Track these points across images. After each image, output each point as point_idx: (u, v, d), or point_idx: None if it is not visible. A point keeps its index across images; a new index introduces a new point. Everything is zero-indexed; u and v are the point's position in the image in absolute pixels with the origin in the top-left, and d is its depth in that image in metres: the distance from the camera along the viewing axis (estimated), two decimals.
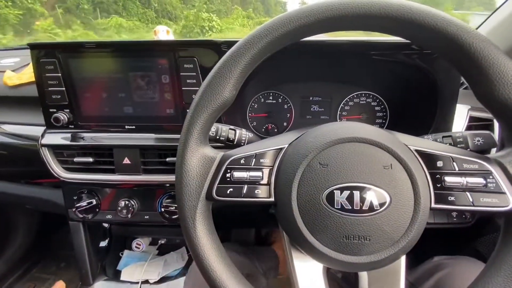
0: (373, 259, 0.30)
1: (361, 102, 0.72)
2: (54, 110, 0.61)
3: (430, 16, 0.28)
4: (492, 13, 0.58)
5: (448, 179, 0.31)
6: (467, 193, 0.30)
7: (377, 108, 0.72)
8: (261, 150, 0.35)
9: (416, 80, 0.61)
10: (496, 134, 0.57)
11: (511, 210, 0.29)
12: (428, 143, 0.34)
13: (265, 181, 0.34)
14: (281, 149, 0.35)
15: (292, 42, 0.33)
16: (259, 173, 0.34)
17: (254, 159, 0.34)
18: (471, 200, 0.30)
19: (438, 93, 0.56)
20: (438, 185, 0.31)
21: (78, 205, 0.65)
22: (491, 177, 0.30)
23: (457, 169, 0.31)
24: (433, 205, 0.31)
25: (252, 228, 1.23)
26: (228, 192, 0.33)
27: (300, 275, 0.36)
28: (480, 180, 0.30)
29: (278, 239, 1.17)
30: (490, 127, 0.60)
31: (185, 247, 0.79)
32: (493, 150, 0.51)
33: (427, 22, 0.28)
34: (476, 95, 0.30)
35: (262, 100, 0.75)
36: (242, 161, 0.34)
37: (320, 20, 0.30)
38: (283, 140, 0.36)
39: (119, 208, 0.64)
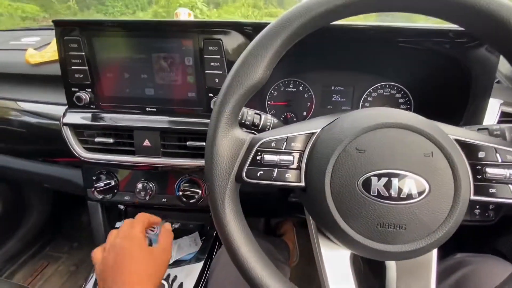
0: (407, 249, 0.29)
1: (385, 93, 0.70)
2: (77, 89, 0.61)
3: None
4: None
5: (490, 171, 0.30)
6: (509, 185, 0.29)
7: (401, 100, 0.69)
8: (293, 134, 0.34)
9: (446, 71, 0.59)
10: None
11: None
12: (469, 133, 0.33)
13: (295, 165, 0.33)
14: (313, 133, 0.34)
15: (332, 21, 0.31)
16: (289, 157, 0.33)
17: (285, 143, 0.33)
18: None
19: (471, 85, 0.54)
20: (479, 177, 0.30)
21: (97, 185, 0.66)
22: None
23: (500, 160, 0.30)
24: (472, 197, 0.30)
25: (261, 219, 1.24)
26: (258, 174, 0.33)
27: (327, 263, 0.35)
28: None
29: (288, 230, 1.17)
30: None
31: (198, 232, 0.79)
32: None
33: (480, 4, 0.26)
34: None
35: (282, 88, 0.73)
36: (273, 144, 0.33)
37: None
38: (315, 124, 0.35)
39: (138, 190, 0.65)
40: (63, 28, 0.58)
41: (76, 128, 0.64)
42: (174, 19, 0.56)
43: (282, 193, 0.68)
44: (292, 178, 0.33)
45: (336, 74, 0.71)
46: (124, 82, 0.60)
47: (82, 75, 0.60)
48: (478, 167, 0.30)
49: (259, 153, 0.33)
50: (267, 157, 0.33)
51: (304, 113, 0.74)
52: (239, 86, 0.31)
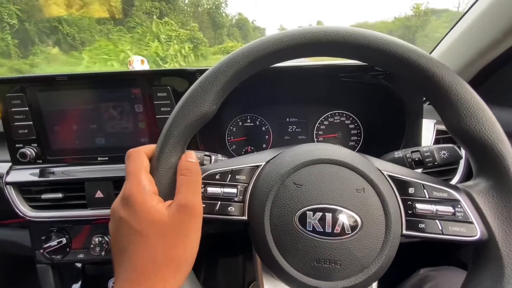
0: (343, 285, 0.29)
1: (335, 121, 0.74)
2: (21, 145, 0.58)
3: (394, 44, 0.30)
4: (443, 38, 0.63)
5: (419, 206, 0.31)
6: (436, 221, 0.30)
7: (351, 126, 0.74)
8: (238, 166, 0.34)
9: (383, 99, 0.65)
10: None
11: (479, 240, 0.29)
12: (401, 169, 0.34)
13: (239, 198, 0.33)
14: (258, 166, 0.34)
15: (272, 64, 0.33)
16: (233, 190, 0.33)
17: (230, 175, 0.33)
18: (440, 228, 0.30)
19: (404, 110, 0.59)
20: (410, 212, 0.31)
21: (46, 245, 0.60)
22: (459, 206, 0.30)
23: (427, 196, 0.31)
24: (404, 232, 0.31)
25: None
26: (202, 210, 0.32)
27: None
28: (449, 209, 0.30)
29: None
30: None
31: None
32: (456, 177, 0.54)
33: (396, 53, 0.30)
34: (446, 124, 0.32)
35: (240, 123, 0.76)
36: (217, 177, 0.33)
37: (301, 44, 0.31)
38: (261, 158, 0.36)
39: (92, 246, 0.60)
40: (3, 86, 0.56)
41: (21, 186, 0.60)
42: (121, 71, 0.57)
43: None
44: (235, 212, 0.32)
45: (289, 107, 0.75)
46: (73, 133, 0.59)
47: (26, 131, 0.58)
48: (409, 202, 0.31)
49: (202, 186, 0.32)
50: (210, 189, 0.32)
51: (264, 146, 0.76)
52: (185, 117, 0.31)
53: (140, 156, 0.31)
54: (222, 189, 0.32)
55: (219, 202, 0.32)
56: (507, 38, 0.49)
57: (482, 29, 0.52)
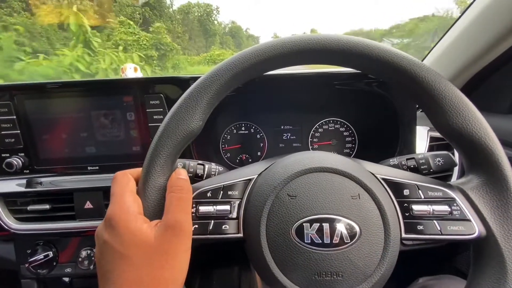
0: None
1: (330, 128, 0.74)
2: (7, 154, 0.56)
3: (386, 52, 0.30)
4: (434, 46, 0.64)
5: (416, 208, 0.30)
6: (434, 221, 0.30)
7: (345, 133, 0.74)
8: (229, 181, 0.33)
9: (377, 107, 0.65)
10: (456, 154, 0.60)
11: (478, 237, 0.29)
12: (394, 171, 0.34)
13: (234, 215, 0.31)
14: (250, 180, 0.33)
15: (257, 75, 0.33)
16: (226, 207, 0.31)
17: (221, 192, 0.32)
18: (438, 228, 0.30)
19: (398, 118, 0.59)
20: (407, 214, 0.31)
21: (32, 259, 0.58)
22: (455, 204, 0.30)
23: (423, 197, 0.31)
24: (403, 235, 0.30)
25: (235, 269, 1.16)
26: (192, 229, 0.30)
27: None
28: (446, 208, 0.30)
29: None
30: (450, 146, 0.63)
31: None
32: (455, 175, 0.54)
33: (384, 58, 0.30)
34: (434, 125, 0.32)
35: (235, 131, 0.75)
36: (209, 194, 0.32)
37: (286, 54, 0.31)
38: (252, 171, 0.35)
39: (80, 259, 0.58)
40: None
41: (6, 197, 0.57)
42: (112, 78, 0.57)
43: None
44: (230, 230, 0.31)
45: (284, 115, 0.75)
46: (62, 142, 0.57)
47: (13, 140, 0.56)
48: (405, 204, 0.31)
49: (194, 205, 0.31)
50: (202, 208, 0.31)
51: (259, 153, 0.76)
52: (171, 136, 0.30)
53: (125, 178, 0.31)
54: (214, 206, 0.31)
55: (213, 221, 0.31)
56: (497, 46, 0.50)
57: (472, 37, 0.53)
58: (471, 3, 0.53)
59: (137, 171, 0.32)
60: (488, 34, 0.49)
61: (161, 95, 0.55)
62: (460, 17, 0.55)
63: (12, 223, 0.57)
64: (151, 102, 0.55)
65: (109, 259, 0.27)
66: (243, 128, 0.75)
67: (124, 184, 0.30)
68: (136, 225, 0.27)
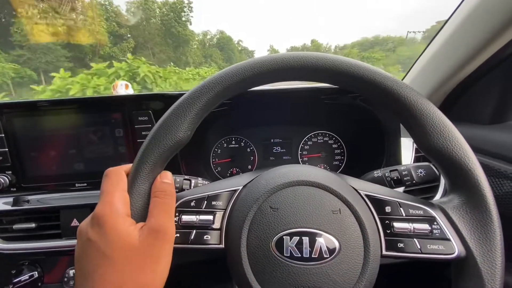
0: None
1: (319, 141, 0.75)
2: None
3: (365, 70, 0.31)
4: (413, 65, 0.66)
5: (397, 225, 0.30)
6: (415, 239, 0.30)
7: (334, 145, 0.75)
8: (214, 192, 0.33)
9: (363, 120, 0.66)
10: None
11: (457, 257, 0.29)
12: (377, 188, 0.34)
13: (216, 225, 0.31)
14: (235, 190, 0.33)
15: (247, 89, 0.34)
16: (209, 217, 0.31)
17: (205, 201, 0.32)
18: (419, 247, 0.29)
19: (383, 130, 0.61)
20: (388, 231, 0.31)
21: (16, 280, 0.56)
22: (435, 223, 0.30)
23: (404, 214, 0.31)
24: (384, 252, 0.30)
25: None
26: (174, 234, 0.30)
27: None
28: (426, 226, 0.30)
29: None
30: None
31: None
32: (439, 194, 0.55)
33: (367, 77, 0.31)
34: (416, 143, 0.32)
35: (225, 145, 0.76)
36: (192, 204, 0.32)
37: (272, 70, 0.32)
38: (238, 182, 0.35)
39: (66, 279, 0.56)
40: None
41: None
42: (101, 96, 0.57)
43: None
44: (212, 240, 0.31)
45: (274, 128, 0.76)
46: (50, 159, 0.57)
47: (1, 158, 0.56)
48: (387, 221, 0.31)
49: (176, 214, 0.31)
50: (185, 217, 0.31)
51: (249, 167, 0.76)
52: (158, 144, 0.30)
53: (118, 175, 0.30)
54: (197, 216, 0.31)
55: (195, 231, 0.31)
56: (473, 60, 0.52)
57: (449, 51, 0.55)
58: (447, 20, 0.56)
59: (130, 167, 0.32)
60: (463, 49, 0.51)
61: (150, 111, 0.56)
62: (436, 35, 0.58)
63: None
64: (139, 118, 0.56)
65: (91, 258, 0.26)
66: (233, 142, 0.76)
67: (116, 181, 0.30)
68: (123, 227, 0.27)
